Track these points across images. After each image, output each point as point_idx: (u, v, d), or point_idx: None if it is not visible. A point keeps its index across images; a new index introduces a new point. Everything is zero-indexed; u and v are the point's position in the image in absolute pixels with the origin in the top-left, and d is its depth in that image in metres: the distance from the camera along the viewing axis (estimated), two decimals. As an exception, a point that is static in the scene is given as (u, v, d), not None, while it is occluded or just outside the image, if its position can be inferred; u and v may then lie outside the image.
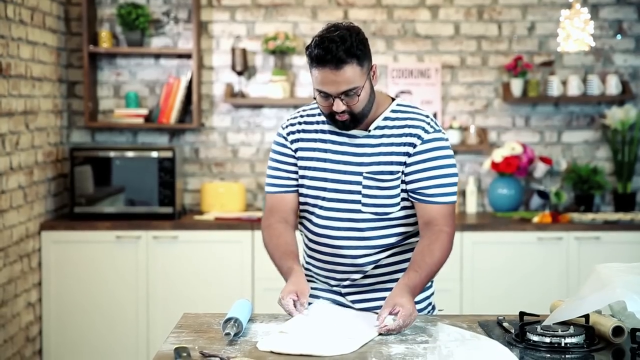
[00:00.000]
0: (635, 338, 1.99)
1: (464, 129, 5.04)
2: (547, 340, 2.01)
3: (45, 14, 4.58)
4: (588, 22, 4.47)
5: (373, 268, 2.46)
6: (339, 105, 2.30)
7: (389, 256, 2.46)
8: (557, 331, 2.03)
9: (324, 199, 2.45)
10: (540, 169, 4.98)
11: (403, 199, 2.42)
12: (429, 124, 2.41)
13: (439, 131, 2.41)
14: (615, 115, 4.89)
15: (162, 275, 4.57)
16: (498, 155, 4.88)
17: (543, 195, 4.93)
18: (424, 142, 2.38)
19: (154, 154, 4.68)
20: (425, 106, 5.01)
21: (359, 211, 2.42)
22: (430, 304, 2.57)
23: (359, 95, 2.30)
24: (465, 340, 2.01)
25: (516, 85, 4.96)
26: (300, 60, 5.06)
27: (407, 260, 2.47)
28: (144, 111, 4.93)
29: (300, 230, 2.60)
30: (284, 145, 2.52)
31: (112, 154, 4.68)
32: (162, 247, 4.57)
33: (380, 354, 1.98)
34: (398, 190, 2.40)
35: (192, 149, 5.09)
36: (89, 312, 4.56)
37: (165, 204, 4.67)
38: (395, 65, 5.02)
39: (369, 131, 2.42)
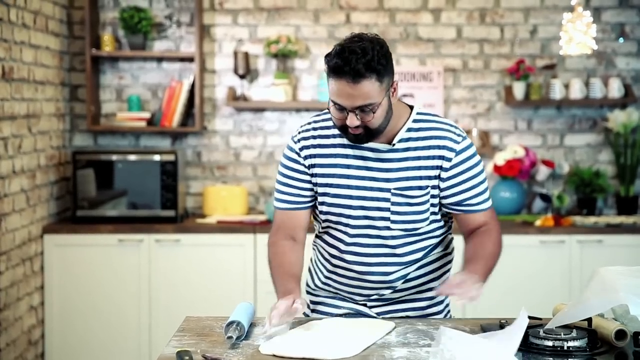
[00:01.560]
0: (638, 341, 1.99)
1: (466, 132, 5.03)
2: (550, 343, 2.01)
3: (48, 18, 4.59)
4: (590, 25, 4.48)
5: (403, 282, 2.42)
6: (352, 120, 2.21)
7: (417, 269, 2.43)
8: (560, 334, 2.03)
9: (349, 216, 2.36)
10: (542, 172, 4.98)
11: (432, 213, 2.37)
12: (454, 133, 2.34)
13: (465, 138, 2.36)
14: (618, 119, 4.89)
15: (164, 278, 4.57)
16: (500, 159, 4.87)
17: (545, 198, 4.93)
18: (457, 153, 2.32)
19: (157, 158, 4.68)
20: (428, 109, 5.00)
21: (388, 228, 2.35)
22: (448, 309, 2.56)
23: (374, 112, 2.20)
24: (467, 343, 2.01)
25: (518, 89, 4.96)
26: (302, 64, 5.06)
27: (434, 270, 2.46)
28: (147, 114, 4.93)
29: (317, 245, 2.53)
30: (296, 161, 2.41)
31: (114, 157, 4.68)
32: (165, 251, 4.57)
33: (382, 358, 1.97)
34: (427, 205, 2.35)
35: (194, 153, 5.09)
36: (91, 315, 4.57)
37: (167, 207, 4.67)
38: (398, 68, 5.01)
39: (393, 145, 2.32)
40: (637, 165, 4.97)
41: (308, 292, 2.59)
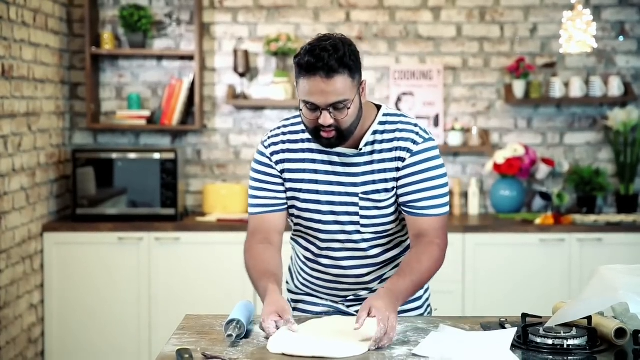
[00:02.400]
0: (638, 340, 1.99)
1: (466, 131, 5.04)
2: (550, 342, 2.01)
3: (47, 16, 4.59)
4: (590, 23, 4.47)
5: (379, 283, 2.43)
6: (326, 119, 2.18)
7: (393, 269, 2.43)
8: (560, 333, 2.02)
9: (319, 221, 2.37)
10: (542, 170, 4.98)
11: (400, 213, 2.37)
12: (417, 133, 2.31)
13: (429, 140, 2.32)
14: (618, 117, 4.89)
15: (164, 276, 4.57)
16: (500, 157, 4.87)
17: (545, 196, 4.93)
18: (413, 154, 2.30)
19: (156, 156, 4.68)
20: (428, 108, 5.01)
21: (358, 232, 2.36)
22: (428, 304, 2.56)
23: (348, 109, 2.18)
24: (467, 342, 2.01)
25: (518, 87, 4.96)
26: (302, 62, 5.05)
27: None
28: (146, 113, 4.93)
29: (293, 247, 2.54)
30: (269, 166, 2.39)
31: (114, 155, 4.68)
32: (164, 249, 4.57)
33: (382, 356, 1.97)
34: (394, 207, 2.35)
35: (194, 151, 5.09)
36: (91, 313, 4.57)
37: (167, 205, 4.67)
38: (397, 66, 5.02)
39: (360, 150, 2.31)
40: (637, 164, 4.96)
41: (289, 291, 2.59)
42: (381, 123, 2.33)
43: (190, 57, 4.99)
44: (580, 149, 5.11)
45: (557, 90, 4.94)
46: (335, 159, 2.33)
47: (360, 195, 2.32)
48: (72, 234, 4.56)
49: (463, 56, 5.08)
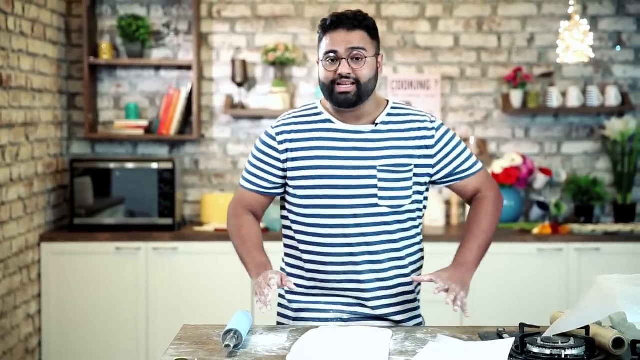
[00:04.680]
0: (636, 349, 1.99)
1: (463, 140, 5.04)
2: (548, 352, 2.01)
3: (45, 26, 4.59)
4: (587, 33, 4.48)
5: (389, 261, 2.45)
6: (344, 68, 2.35)
7: (403, 247, 2.48)
8: (558, 343, 2.02)
9: (336, 197, 2.41)
10: (540, 180, 4.98)
11: (415, 192, 2.46)
12: (428, 116, 2.51)
13: (437, 120, 2.54)
14: (615, 127, 4.90)
15: (161, 286, 4.56)
16: (498, 167, 4.88)
17: (543, 206, 4.93)
18: (436, 129, 2.48)
19: (154, 165, 4.68)
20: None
21: (376, 205, 2.41)
22: (420, 316, 2.58)
23: (366, 58, 2.36)
24: (465, 352, 2.01)
25: (516, 97, 4.97)
26: (300, 72, 5.07)
27: (414, 252, 2.52)
28: (144, 122, 4.93)
29: (292, 242, 2.50)
30: (272, 147, 2.48)
31: (112, 165, 4.68)
32: (162, 259, 4.57)
33: (380, 366, 1.97)
34: (411, 183, 2.45)
35: (192, 160, 5.09)
36: (88, 323, 4.56)
37: (165, 215, 4.67)
38: (395, 76, 5.03)
39: (376, 125, 2.44)
40: (634, 173, 4.97)
41: (283, 306, 2.56)
42: (394, 108, 2.51)
43: (188, 67, 5.00)
44: (578, 159, 5.12)
45: (554, 100, 4.95)
46: (352, 136, 2.44)
47: (379, 167, 2.42)
48: (69, 243, 4.56)
49: (460, 66, 5.09)
